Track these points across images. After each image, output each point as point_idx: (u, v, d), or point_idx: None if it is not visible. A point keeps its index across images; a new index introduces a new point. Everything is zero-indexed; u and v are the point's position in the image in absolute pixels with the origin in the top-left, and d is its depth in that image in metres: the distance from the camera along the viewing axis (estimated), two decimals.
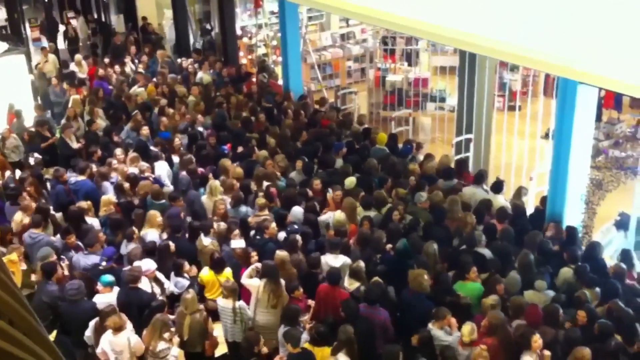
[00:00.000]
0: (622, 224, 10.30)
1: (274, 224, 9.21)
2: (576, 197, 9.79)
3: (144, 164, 11.15)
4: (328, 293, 8.03)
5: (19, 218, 9.83)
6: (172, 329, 7.56)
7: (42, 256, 8.54)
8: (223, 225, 9.30)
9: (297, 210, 9.86)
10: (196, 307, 7.89)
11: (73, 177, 11.07)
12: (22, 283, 8.40)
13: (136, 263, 8.40)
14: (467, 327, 7.17)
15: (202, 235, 9.23)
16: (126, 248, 9.05)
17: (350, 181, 10.46)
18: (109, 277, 8.15)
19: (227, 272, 8.57)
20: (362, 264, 8.35)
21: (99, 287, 8.14)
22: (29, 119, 14.17)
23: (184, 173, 10.90)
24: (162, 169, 11.30)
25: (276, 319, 7.99)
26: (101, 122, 13.49)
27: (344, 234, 9.16)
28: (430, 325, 7.47)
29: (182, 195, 10.31)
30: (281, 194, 10.35)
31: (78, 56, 17.36)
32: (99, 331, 7.60)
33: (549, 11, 7.37)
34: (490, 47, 8.15)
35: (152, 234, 9.26)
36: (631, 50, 6.52)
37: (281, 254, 8.41)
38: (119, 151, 11.65)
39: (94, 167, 11.15)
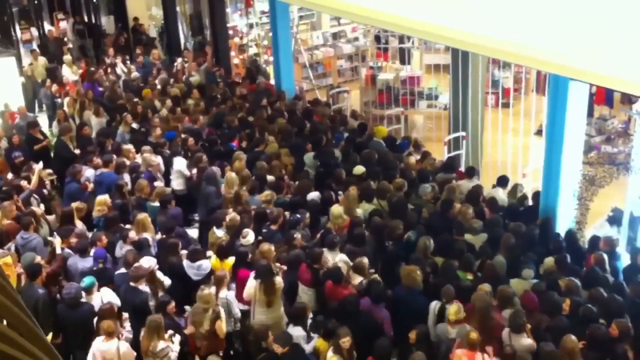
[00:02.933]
0: (615, 219, 10.34)
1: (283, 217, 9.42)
2: (569, 193, 9.82)
3: (154, 160, 11.24)
4: (332, 290, 8.18)
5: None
6: (170, 331, 7.56)
7: (26, 263, 8.49)
8: (235, 216, 9.36)
9: (314, 195, 10.17)
10: (213, 304, 7.83)
11: (90, 171, 11.17)
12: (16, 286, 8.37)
13: (141, 260, 8.37)
14: (454, 306, 7.40)
15: (214, 228, 9.31)
16: (121, 250, 9.01)
17: (359, 169, 10.75)
18: (89, 280, 8.03)
19: (231, 260, 8.70)
20: (365, 260, 8.42)
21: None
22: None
23: (213, 167, 10.93)
24: (181, 164, 11.46)
25: (272, 317, 8.12)
26: (102, 120, 13.54)
27: (359, 225, 9.25)
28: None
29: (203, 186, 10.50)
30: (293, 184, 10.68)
31: (68, 57, 17.29)
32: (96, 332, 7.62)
33: (539, 8, 7.39)
34: (481, 45, 8.17)
35: (147, 237, 9.22)
36: (622, 46, 6.54)
37: (265, 246, 8.51)
38: (129, 146, 11.86)
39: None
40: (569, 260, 8.60)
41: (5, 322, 1.89)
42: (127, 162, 11.33)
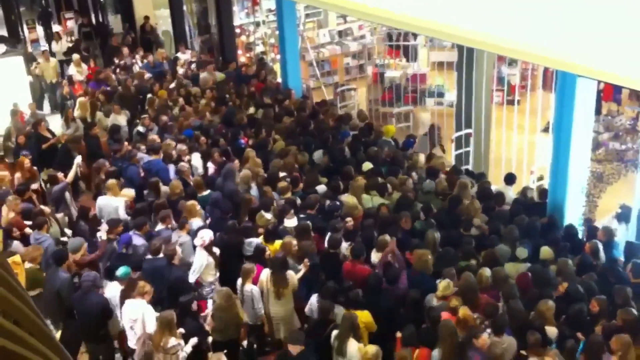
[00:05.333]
0: (623, 216, 10.29)
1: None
2: (577, 190, 9.79)
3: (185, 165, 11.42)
4: (349, 270, 8.46)
5: (5, 212, 9.96)
6: (182, 329, 7.63)
7: (74, 247, 8.82)
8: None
9: (321, 188, 10.52)
10: (231, 302, 8.05)
11: (141, 156, 11.53)
12: (32, 281, 8.50)
13: (199, 234, 8.83)
14: (444, 282, 7.72)
15: (262, 211, 9.60)
16: (179, 237, 9.16)
17: (366, 165, 10.93)
18: (124, 270, 8.28)
19: (278, 243, 8.94)
20: (387, 237, 8.70)
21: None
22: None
23: (230, 164, 11.13)
24: (197, 160, 11.71)
25: (284, 309, 8.32)
26: (122, 119, 13.61)
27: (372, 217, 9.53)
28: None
29: (224, 184, 10.70)
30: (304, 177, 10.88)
31: (76, 56, 17.30)
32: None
33: (546, 4, 7.37)
34: (488, 42, 8.15)
35: (197, 223, 9.50)
36: (629, 43, 6.51)
37: (286, 239, 8.73)
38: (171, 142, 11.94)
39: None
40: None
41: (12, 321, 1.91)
42: (174, 153, 11.55)
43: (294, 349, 7.09)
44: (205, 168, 11.60)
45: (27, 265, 8.61)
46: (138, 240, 9.11)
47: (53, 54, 18.80)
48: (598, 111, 13.89)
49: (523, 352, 6.91)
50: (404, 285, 8.14)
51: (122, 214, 9.97)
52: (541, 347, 6.79)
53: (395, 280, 8.12)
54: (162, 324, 7.44)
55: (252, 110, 13.73)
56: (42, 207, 10.14)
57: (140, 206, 10.03)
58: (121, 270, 8.21)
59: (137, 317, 7.69)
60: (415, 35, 17.12)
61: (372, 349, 6.92)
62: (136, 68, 16.89)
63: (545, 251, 8.67)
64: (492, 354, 6.75)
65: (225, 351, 7.93)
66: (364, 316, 7.53)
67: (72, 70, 16.92)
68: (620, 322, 7.07)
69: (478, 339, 6.85)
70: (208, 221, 9.89)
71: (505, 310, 7.47)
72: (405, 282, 8.18)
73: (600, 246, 8.82)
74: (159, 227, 9.42)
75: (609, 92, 15.23)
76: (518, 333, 7.08)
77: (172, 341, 7.41)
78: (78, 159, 11.45)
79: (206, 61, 16.83)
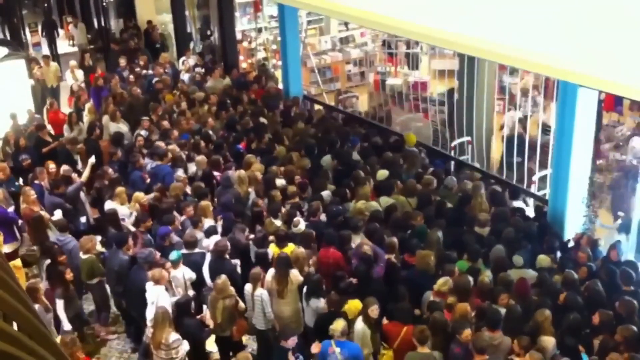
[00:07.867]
0: (623, 227, 10.28)
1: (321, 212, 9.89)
2: (577, 200, 9.78)
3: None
4: (324, 255, 8.81)
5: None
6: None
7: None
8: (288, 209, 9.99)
9: (326, 194, 10.57)
10: (228, 291, 8.19)
11: (148, 161, 11.60)
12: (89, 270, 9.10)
13: (207, 240, 9.26)
14: (442, 279, 7.97)
15: (271, 218, 9.70)
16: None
17: (382, 173, 10.87)
18: (176, 254, 8.64)
19: (291, 245, 9.01)
20: (394, 239, 8.85)
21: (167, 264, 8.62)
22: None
23: (231, 171, 11.11)
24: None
25: (289, 309, 8.45)
26: (123, 127, 13.49)
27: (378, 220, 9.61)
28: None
29: (227, 190, 10.66)
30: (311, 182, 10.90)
31: (72, 62, 17.14)
32: None
33: (548, 14, 7.37)
34: (490, 51, 8.17)
35: (208, 222, 9.72)
36: (631, 53, 6.52)
37: (298, 251, 8.78)
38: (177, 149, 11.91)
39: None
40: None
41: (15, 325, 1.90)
42: (184, 156, 11.56)
43: (290, 342, 7.44)
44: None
45: (84, 256, 9.12)
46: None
47: (54, 58, 18.75)
48: (599, 121, 13.86)
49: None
50: (377, 275, 8.37)
51: (130, 221, 10.06)
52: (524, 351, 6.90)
53: (368, 269, 8.33)
54: (160, 320, 7.51)
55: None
56: (41, 212, 10.11)
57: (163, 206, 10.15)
58: (174, 254, 8.58)
59: (153, 300, 8.02)
60: (417, 43, 17.14)
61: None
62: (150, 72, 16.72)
63: (543, 259, 8.69)
64: (477, 347, 6.89)
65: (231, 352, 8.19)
66: (354, 305, 7.74)
67: (67, 76, 16.80)
68: (620, 339, 7.01)
69: (461, 335, 7.02)
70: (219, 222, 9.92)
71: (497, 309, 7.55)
72: (381, 273, 8.41)
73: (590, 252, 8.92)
74: (182, 218, 9.86)
75: (610, 102, 15.22)
76: None
77: (173, 335, 7.45)
78: (92, 160, 11.45)
79: (213, 67, 16.77)
